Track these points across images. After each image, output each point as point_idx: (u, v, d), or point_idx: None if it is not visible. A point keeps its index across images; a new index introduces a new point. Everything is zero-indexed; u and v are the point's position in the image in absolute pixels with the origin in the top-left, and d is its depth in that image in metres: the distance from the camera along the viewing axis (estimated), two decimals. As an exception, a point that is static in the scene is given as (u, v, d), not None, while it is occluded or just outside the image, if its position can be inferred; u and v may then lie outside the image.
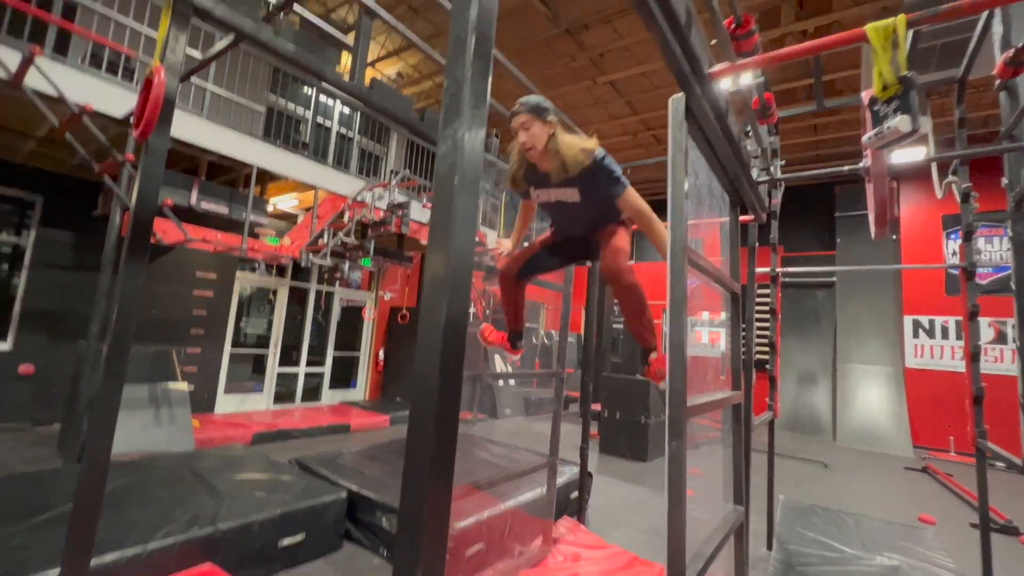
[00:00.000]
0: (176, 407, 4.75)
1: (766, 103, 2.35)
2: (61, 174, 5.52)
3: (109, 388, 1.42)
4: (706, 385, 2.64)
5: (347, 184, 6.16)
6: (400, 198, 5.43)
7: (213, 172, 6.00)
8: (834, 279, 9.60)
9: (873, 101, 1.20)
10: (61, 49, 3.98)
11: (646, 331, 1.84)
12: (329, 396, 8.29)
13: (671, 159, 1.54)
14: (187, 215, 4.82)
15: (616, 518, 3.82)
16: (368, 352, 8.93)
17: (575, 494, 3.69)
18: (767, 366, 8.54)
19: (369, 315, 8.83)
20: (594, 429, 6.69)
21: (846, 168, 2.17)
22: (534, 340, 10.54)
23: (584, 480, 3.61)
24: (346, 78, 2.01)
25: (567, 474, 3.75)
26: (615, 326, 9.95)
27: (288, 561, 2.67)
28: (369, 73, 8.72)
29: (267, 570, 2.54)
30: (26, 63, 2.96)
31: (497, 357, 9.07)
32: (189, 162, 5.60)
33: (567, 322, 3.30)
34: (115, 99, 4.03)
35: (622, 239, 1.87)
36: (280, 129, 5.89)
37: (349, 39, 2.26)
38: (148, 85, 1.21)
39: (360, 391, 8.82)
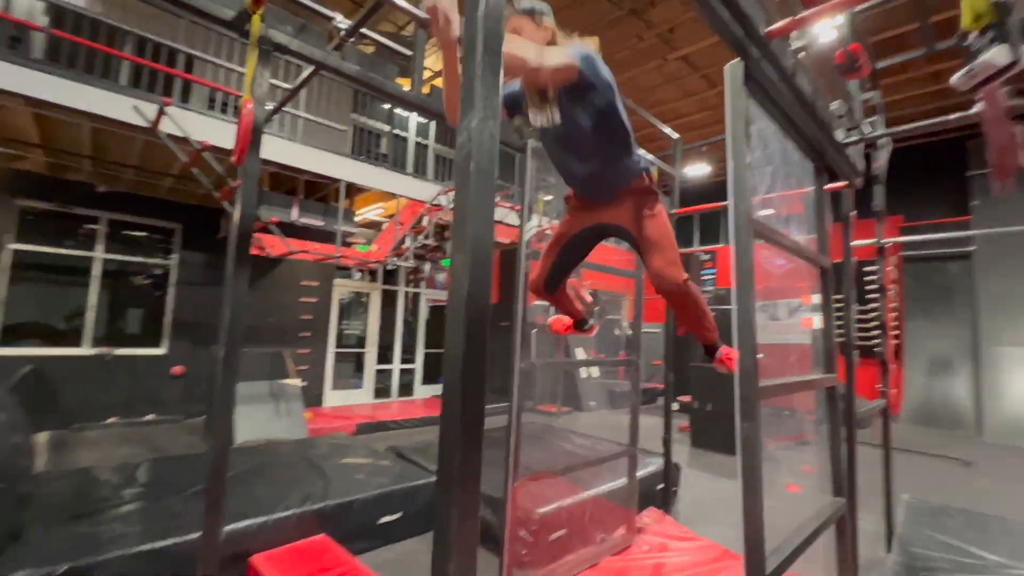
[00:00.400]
0: (291, 401, 5.37)
1: (852, 55, 2.11)
2: (193, 204, 6.47)
3: (227, 382, 1.68)
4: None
5: (425, 190, 6.51)
6: (474, 199, 5.65)
7: (309, 190, 6.66)
8: (971, 248, 8.23)
9: (963, 36, 1.05)
10: (185, 97, 4.68)
11: (707, 331, 1.71)
12: (422, 391, 8.83)
13: (730, 129, 1.46)
14: (289, 230, 5.42)
15: (707, 513, 3.65)
16: (455, 349, 9.33)
17: (662, 486, 3.59)
18: (876, 349, 7.58)
19: (453, 313, 9.21)
20: (686, 422, 6.42)
21: (953, 117, 1.89)
22: (616, 332, 10.32)
23: (669, 471, 3.51)
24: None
25: (652, 465, 3.67)
26: (703, 314, 9.42)
27: (387, 537, 2.93)
28: (439, 82, 9.11)
29: (369, 544, 2.81)
30: (160, 112, 3.54)
31: (581, 350, 9.02)
32: (289, 183, 6.27)
33: (640, 309, 3.22)
34: (227, 135, 4.65)
35: (662, 226, 1.59)
36: (363, 144, 6.38)
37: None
38: (241, 118, 1.42)
39: (449, 386, 9.26)
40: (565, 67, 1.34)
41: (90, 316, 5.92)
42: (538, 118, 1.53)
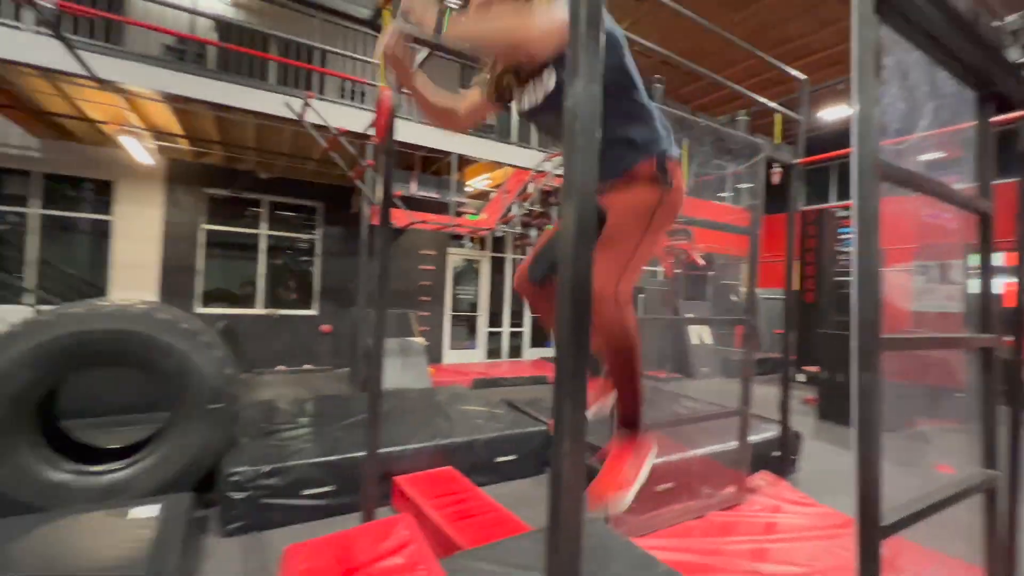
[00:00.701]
0: (417, 356, 6.04)
1: (1038, -48, 1.73)
2: (330, 184, 7.38)
3: (378, 334, 2.03)
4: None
5: (529, 157, 6.64)
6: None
7: (424, 164, 7.19)
8: None
9: None
10: (321, 89, 5.31)
11: (629, 392, 1.21)
12: (529, 353, 9.25)
13: (856, 61, 1.33)
14: (409, 202, 5.96)
15: (832, 485, 3.43)
16: (560, 313, 9.58)
17: (778, 453, 3.45)
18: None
19: (559, 279, 9.40)
20: (813, 395, 5.95)
21: None
22: (733, 298, 9.67)
23: (787, 438, 3.35)
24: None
25: (769, 431, 3.53)
26: (838, 278, 8.40)
27: (504, 475, 3.27)
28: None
29: (487, 479, 3.16)
30: (305, 105, 4.11)
31: (692, 315, 8.66)
32: (407, 159, 6.83)
33: (756, 269, 3.05)
34: (357, 119, 5.21)
35: (633, 218, 1.13)
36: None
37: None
38: (380, 103, 1.67)
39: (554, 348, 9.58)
40: (556, 31, 0.99)
41: (260, 283, 7.17)
42: (524, 98, 1.24)
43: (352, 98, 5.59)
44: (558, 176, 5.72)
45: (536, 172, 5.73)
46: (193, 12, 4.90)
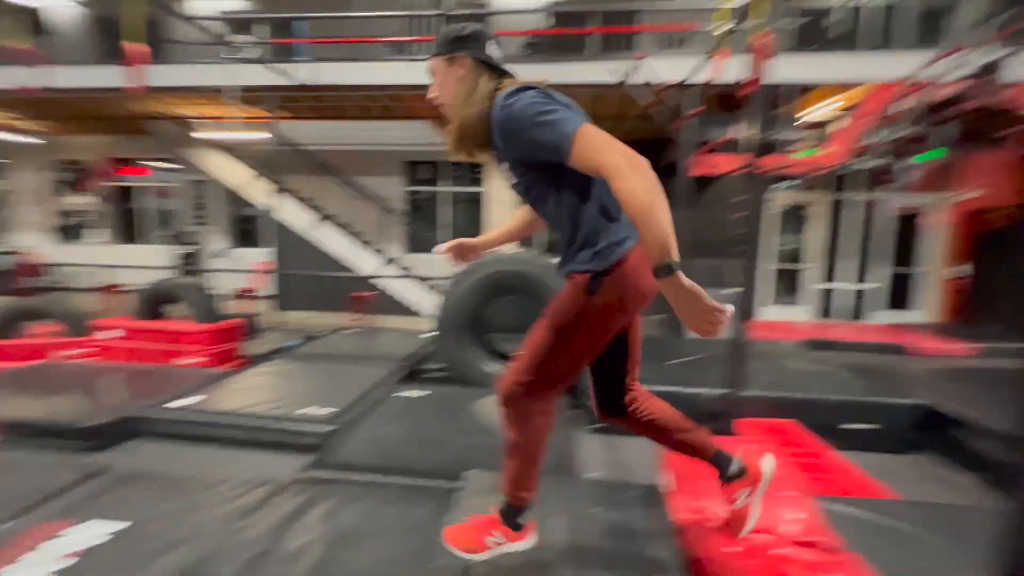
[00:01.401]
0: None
1: None
2: (641, 139, 7.63)
3: (747, 292, 2.14)
4: None
5: (893, 65, 5.14)
6: (988, 57, 4.00)
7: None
8: None
9: None
10: (628, 46, 5.49)
11: (513, 480, 1.24)
12: (880, 316, 7.54)
13: None
14: (730, 147, 5.61)
15: None
16: (935, 267, 7.34)
17: None
18: None
19: (936, 221, 7.14)
20: None
21: None
22: None
23: None
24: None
25: None
26: None
27: (850, 443, 2.92)
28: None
29: (835, 445, 2.91)
30: (634, 68, 4.38)
31: None
32: (733, 101, 6.37)
33: None
34: (676, 69, 5.18)
35: (551, 327, 1.14)
36: (803, 31, 5.62)
37: None
38: (755, 50, 1.70)
39: (919, 312, 7.46)
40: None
41: (582, 236, 8.26)
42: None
43: (679, 45, 5.56)
44: (950, 83, 4.22)
45: (913, 84, 4.38)
46: (533, 11, 5.81)
